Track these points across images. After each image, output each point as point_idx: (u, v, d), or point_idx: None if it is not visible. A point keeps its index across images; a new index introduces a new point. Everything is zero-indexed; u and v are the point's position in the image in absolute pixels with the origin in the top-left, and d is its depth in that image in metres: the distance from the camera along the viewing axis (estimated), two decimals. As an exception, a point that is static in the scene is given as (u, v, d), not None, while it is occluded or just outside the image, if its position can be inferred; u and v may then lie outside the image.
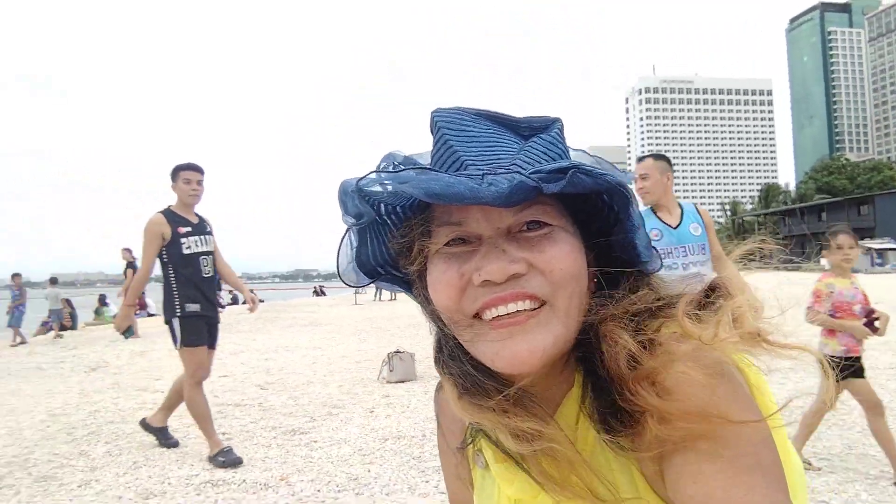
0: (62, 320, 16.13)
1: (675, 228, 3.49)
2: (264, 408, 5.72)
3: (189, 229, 4.37)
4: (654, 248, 0.72)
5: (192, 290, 4.30)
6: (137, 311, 20.96)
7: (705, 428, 0.56)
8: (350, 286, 0.79)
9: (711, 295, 0.66)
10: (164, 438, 4.57)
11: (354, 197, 0.68)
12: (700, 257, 3.46)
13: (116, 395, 6.51)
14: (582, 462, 0.65)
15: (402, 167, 0.67)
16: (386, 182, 0.66)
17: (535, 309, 0.63)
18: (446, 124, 0.68)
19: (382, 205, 0.72)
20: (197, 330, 4.29)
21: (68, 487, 3.76)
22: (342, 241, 0.76)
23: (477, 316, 0.65)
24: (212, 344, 4.44)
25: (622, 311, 0.64)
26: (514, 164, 0.64)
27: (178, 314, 4.24)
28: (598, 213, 0.69)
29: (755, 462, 0.55)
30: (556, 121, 0.71)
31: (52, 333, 13.92)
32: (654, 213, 3.58)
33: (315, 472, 3.89)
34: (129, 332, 4.59)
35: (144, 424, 4.61)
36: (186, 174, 4.37)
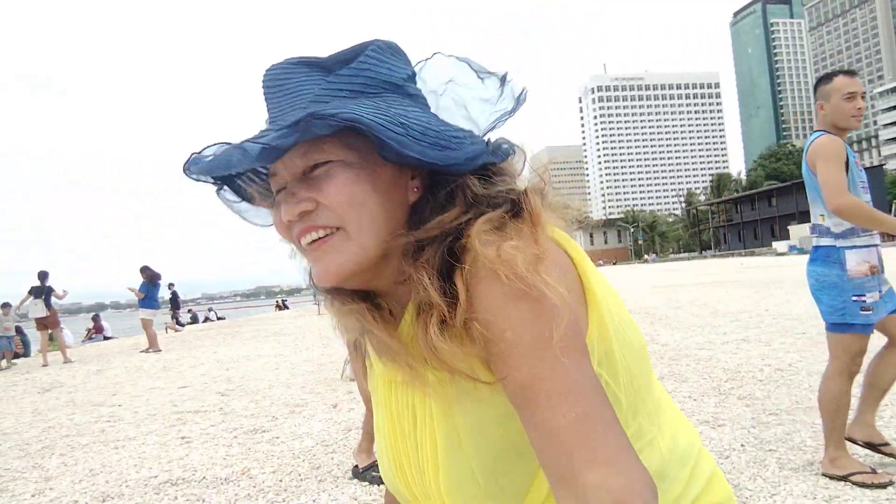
0: (11, 348, 15.58)
1: None
2: (225, 412, 5.64)
3: None
4: (459, 137, 0.75)
5: None
6: (93, 336, 20.51)
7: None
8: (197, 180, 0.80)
9: (521, 213, 0.71)
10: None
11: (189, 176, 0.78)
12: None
13: (72, 412, 6.35)
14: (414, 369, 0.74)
15: (212, 144, 0.76)
16: (192, 167, 0.75)
17: (327, 235, 0.74)
18: (268, 82, 0.76)
19: None
20: None
21: (21, 498, 3.67)
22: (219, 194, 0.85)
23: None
24: None
25: (429, 236, 0.72)
26: (306, 108, 0.70)
27: None
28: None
29: (547, 340, 0.64)
30: (367, 45, 0.76)
31: (4, 361, 13.44)
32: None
33: (277, 464, 3.86)
34: None
35: (359, 473, 3.46)
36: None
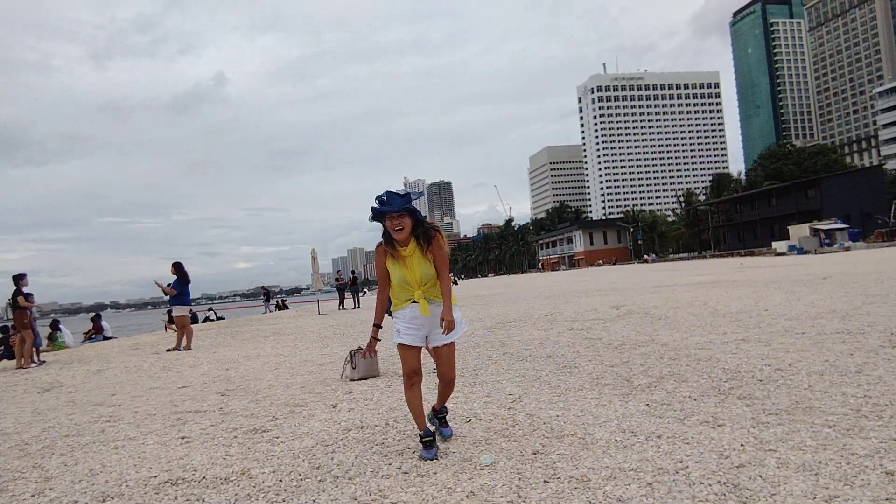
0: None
1: None
2: (225, 412, 5.64)
3: None
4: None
5: None
6: (92, 336, 20.47)
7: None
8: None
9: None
10: None
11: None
12: None
13: (72, 412, 6.35)
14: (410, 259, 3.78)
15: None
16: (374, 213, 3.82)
17: (403, 229, 3.75)
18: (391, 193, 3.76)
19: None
20: None
21: (20, 498, 3.66)
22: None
23: None
24: None
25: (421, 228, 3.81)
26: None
27: None
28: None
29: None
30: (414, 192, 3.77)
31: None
32: None
33: (276, 464, 3.86)
34: None
35: None
36: None
